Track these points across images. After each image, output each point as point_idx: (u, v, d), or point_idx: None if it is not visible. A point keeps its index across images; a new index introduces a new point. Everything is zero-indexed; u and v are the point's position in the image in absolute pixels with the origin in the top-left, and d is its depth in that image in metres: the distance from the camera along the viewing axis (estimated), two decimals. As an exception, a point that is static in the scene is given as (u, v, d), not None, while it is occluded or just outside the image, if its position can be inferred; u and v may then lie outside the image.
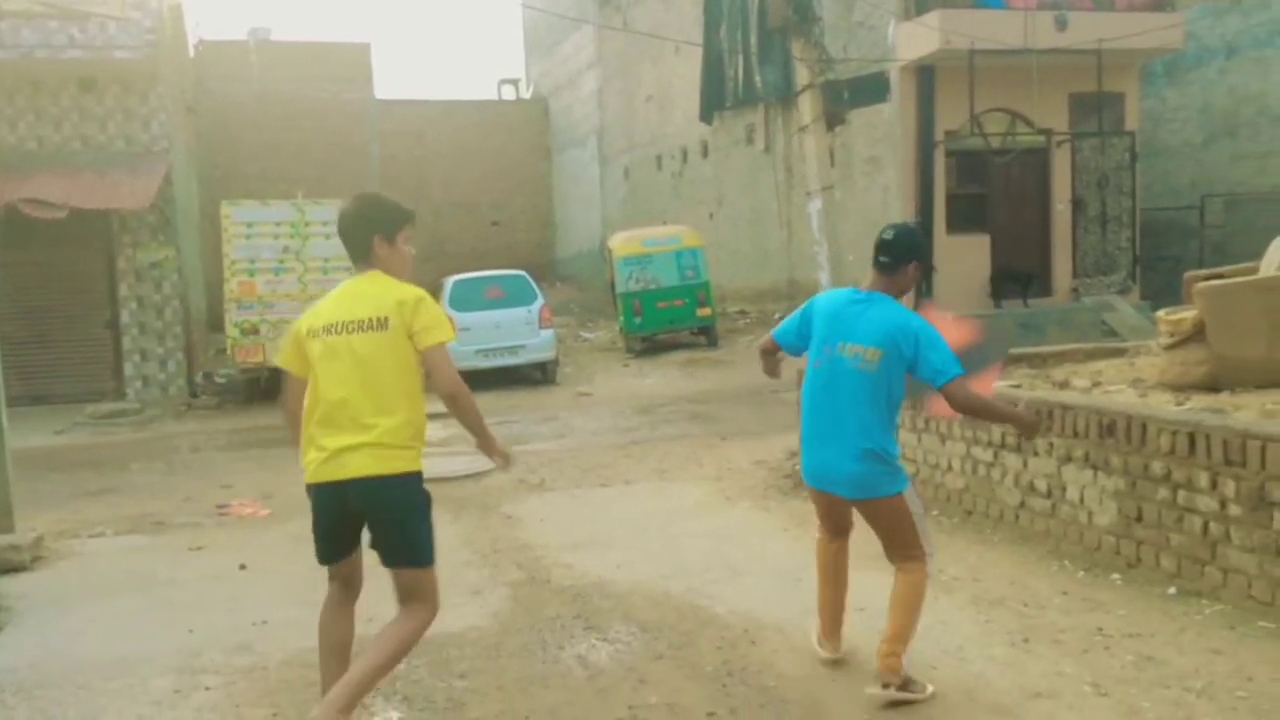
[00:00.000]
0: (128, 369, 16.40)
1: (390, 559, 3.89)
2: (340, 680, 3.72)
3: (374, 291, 3.85)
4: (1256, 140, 18.15)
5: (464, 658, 4.86)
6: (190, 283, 17.76)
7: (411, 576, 3.89)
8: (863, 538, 4.45)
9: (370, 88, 29.83)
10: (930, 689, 4.12)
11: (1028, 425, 4.40)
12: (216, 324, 17.88)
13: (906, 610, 4.13)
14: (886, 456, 4.13)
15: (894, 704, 4.01)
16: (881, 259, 4.24)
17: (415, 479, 3.90)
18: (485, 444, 4.13)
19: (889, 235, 4.27)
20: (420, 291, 3.87)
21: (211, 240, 18.17)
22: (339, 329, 3.83)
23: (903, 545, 4.19)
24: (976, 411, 4.20)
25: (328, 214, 16.08)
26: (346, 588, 4.14)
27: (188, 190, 19.47)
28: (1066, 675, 4.25)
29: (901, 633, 4.10)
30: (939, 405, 4.16)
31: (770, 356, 4.62)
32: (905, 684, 4.04)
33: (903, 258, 4.22)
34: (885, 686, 4.01)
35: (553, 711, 4.22)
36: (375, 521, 3.92)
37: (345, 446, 3.80)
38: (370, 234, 3.90)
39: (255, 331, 15.72)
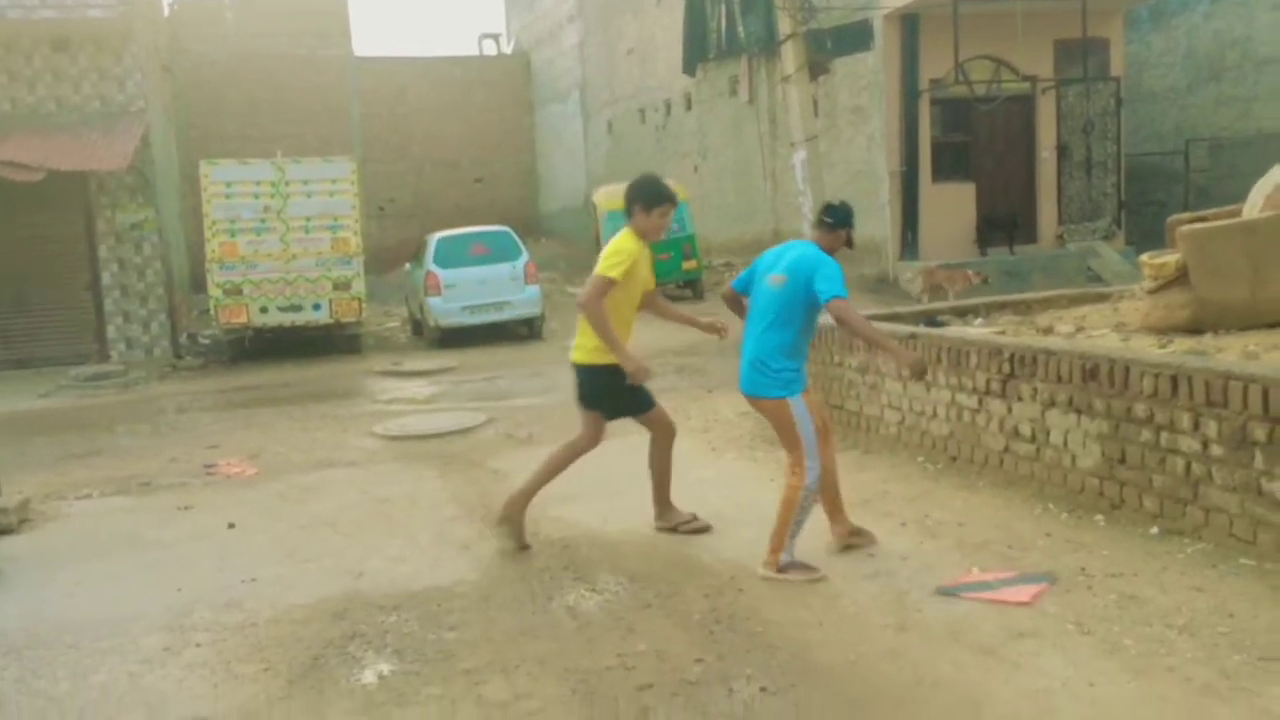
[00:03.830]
0: (110, 331, 16.30)
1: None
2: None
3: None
4: (1241, 84, 18.09)
5: (453, 610, 4.89)
6: (171, 244, 17.62)
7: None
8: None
9: (348, 44, 29.47)
10: (819, 571, 4.88)
11: (904, 360, 5.04)
12: (199, 285, 17.79)
13: (780, 517, 4.92)
14: (772, 368, 4.94)
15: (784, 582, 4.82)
16: (825, 219, 5.12)
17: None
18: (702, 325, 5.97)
19: (835, 203, 5.23)
20: (613, 245, 5.48)
21: (191, 201, 18.05)
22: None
23: (788, 449, 5.01)
24: (855, 330, 5.02)
25: (308, 172, 15.97)
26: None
27: (166, 150, 19.26)
28: (1050, 615, 4.29)
29: (775, 538, 4.93)
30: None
31: (734, 303, 5.47)
32: (784, 570, 4.89)
33: (840, 223, 5.09)
34: (764, 575, 4.94)
35: (542, 661, 4.25)
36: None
37: None
38: (633, 202, 5.47)
39: (238, 292, 15.63)
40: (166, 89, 21.38)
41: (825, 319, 5.08)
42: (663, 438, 5.78)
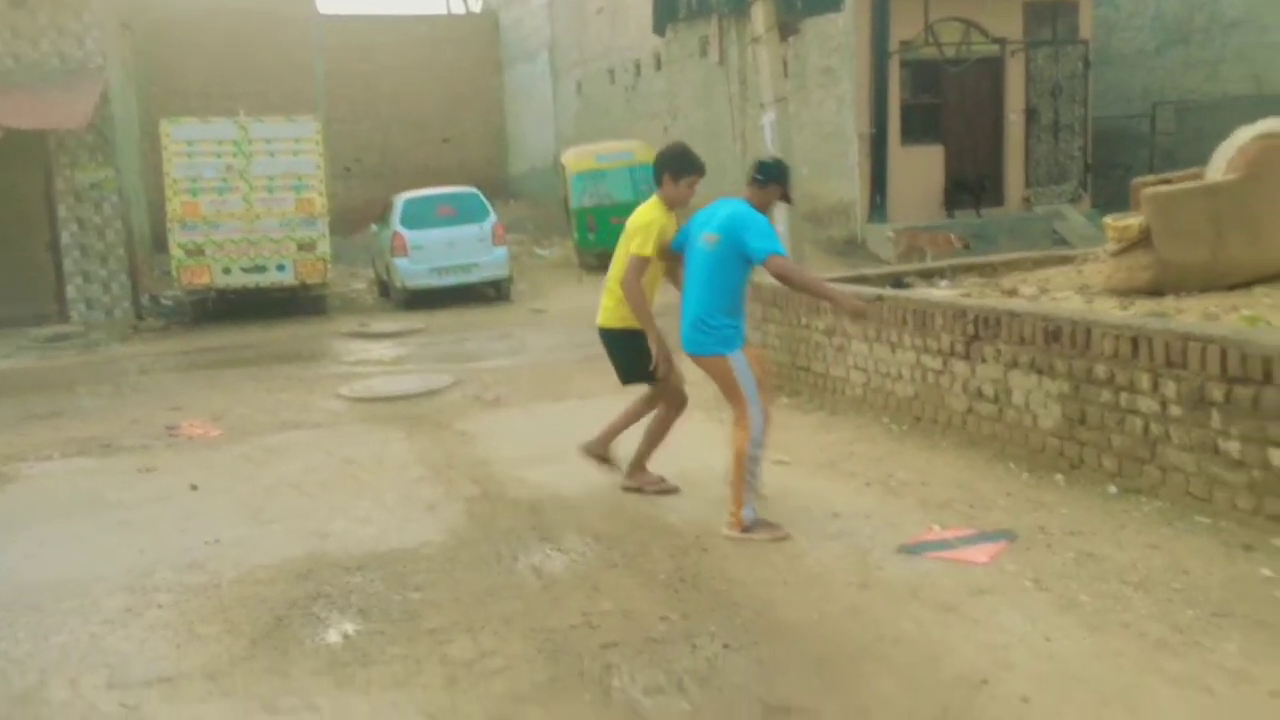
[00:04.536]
0: (70, 292, 16.03)
1: None
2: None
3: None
4: (1208, 47, 18.17)
5: (419, 571, 4.89)
6: (132, 203, 17.33)
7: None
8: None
9: (313, 1, 28.93)
10: (783, 529, 4.95)
11: (846, 305, 5.18)
12: (161, 245, 17.51)
13: (734, 474, 5.02)
14: (711, 325, 5.05)
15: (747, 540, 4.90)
16: (756, 175, 5.18)
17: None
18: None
19: (767, 160, 5.39)
20: (642, 219, 5.48)
21: (152, 160, 17.69)
22: None
23: (731, 403, 5.14)
24: (793, 283, 5.22)
25: (272, 131, 15.72)
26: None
27: (126, 109, 18.89)
28: (1009, 572, 4.35)
29: (733, 495, 5.02)
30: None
31: (674, 262, 5.53)
32: (749, 529, 4.95)
33: (771, 179, 5.14)
34: (728, 535, 4.99)
35: (508, 620, 4.27)
36: None
37: None
38: (663, 170, 5.48)
39: (200, 252, 15.44)
40: (126, 46, 20.93)
41: (763, 276, 5.20)
42: (673, 408, 5.76)
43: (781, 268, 4.93)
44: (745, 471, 4.99)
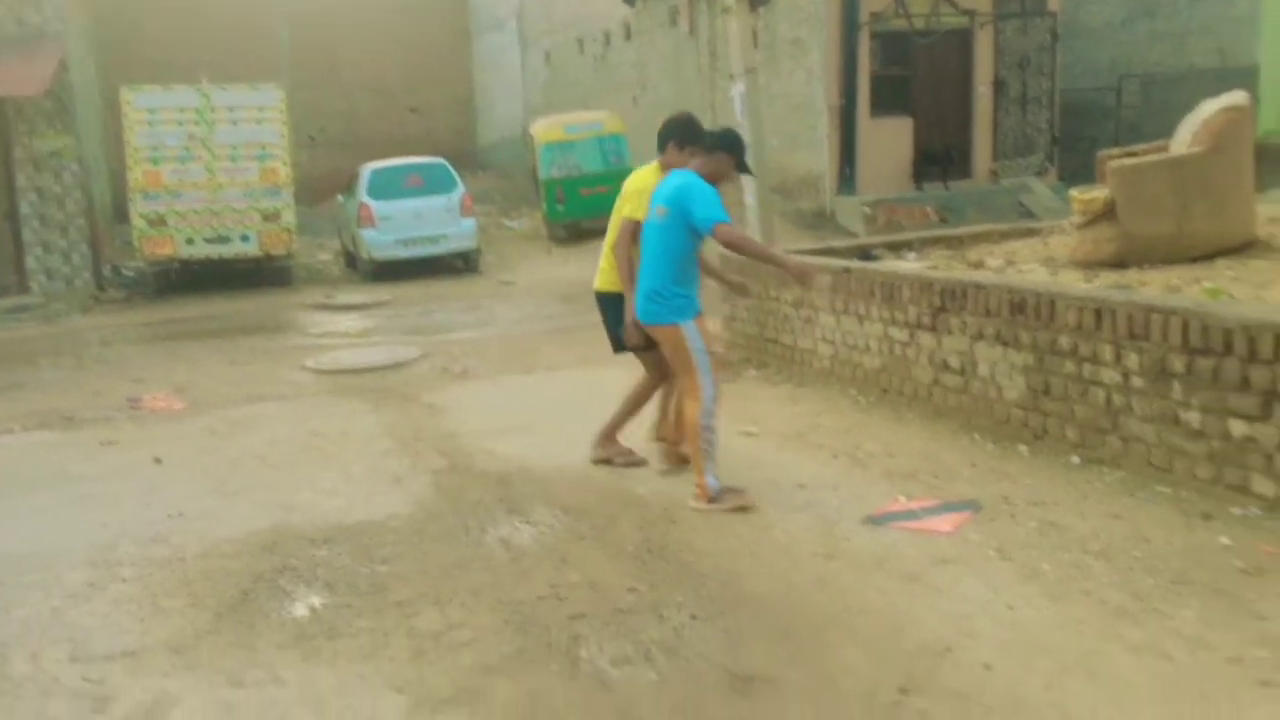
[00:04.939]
0: (30, 262, 15.75)
1: None
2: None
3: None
4: (1174, 20, 18.26)
5: (386, 544, 4.87)
6: (92, 172, 17.03)
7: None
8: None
9: (277, -35, 28.45)
10: (750, 496, 5.00)
11: (793, 270, 5.22)
12: (122, 215, 17.26)
13: (691, 445, 5.11)
14: (663, 295, 5.12)
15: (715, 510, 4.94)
16: (704, 143, 5.24)
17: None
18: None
19: (718, 129, 5.48)
20: (634, 185, 5.50)
21: (113, 129, 17.39)
22: None
23: (682, 373, 5.19)
24: (742, 251, 5.27)
25: (234, 99, 15.50)
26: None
27: (86, 75, 18.53)
28: (972, 542, 4.39)
29: (692, 458, 5.10)
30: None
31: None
32: (715, 499, 4.98)
33: (719, 146, 5.20)
34: (695, 508, 5.02)
35: (475, 592, 4.26)
36: None
37: None
38: (667, 139, 5.44)
39: (163, 223, 15.24)
40: (86, 11, 20.51)
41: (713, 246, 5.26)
42: (655, 380, 5.70)
43: (728, 236, 4.99)
44: (702, 441, 5.01)
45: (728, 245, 5.12)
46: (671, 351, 5.21)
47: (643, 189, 5.44)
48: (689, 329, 5.10)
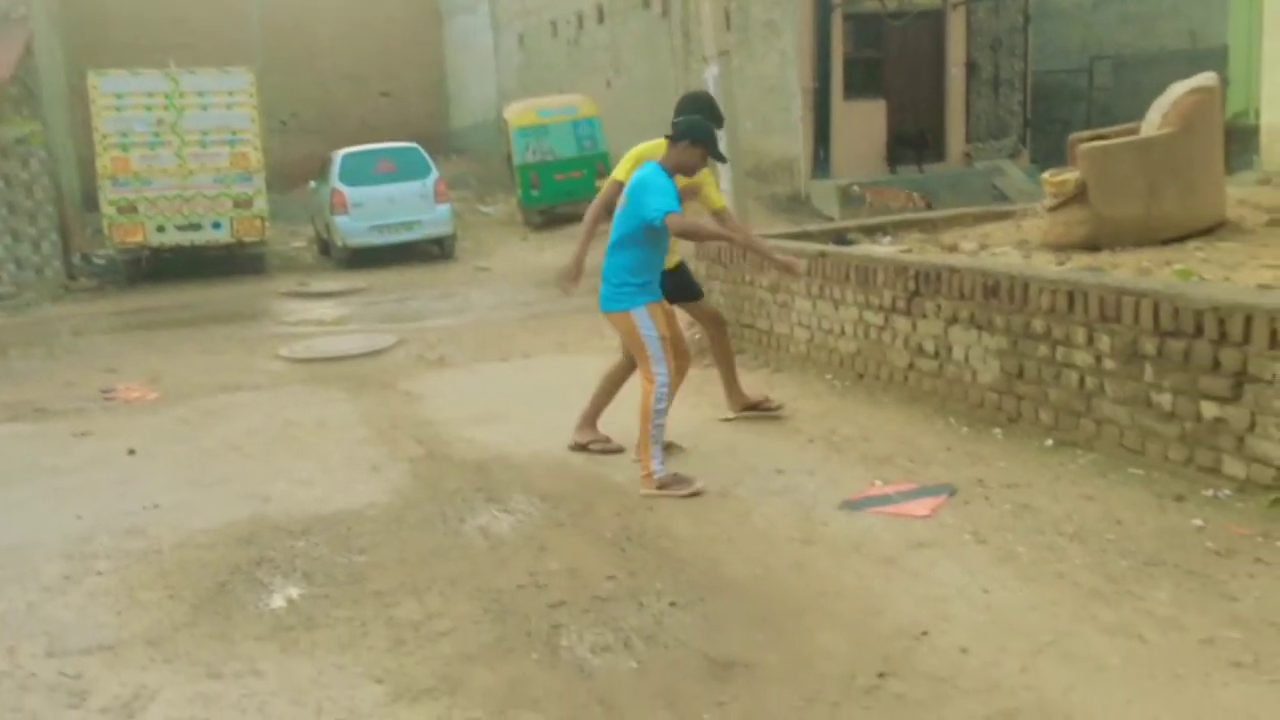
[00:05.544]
0: (-1, 251, 15.59)
1: None
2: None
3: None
4: (1145, 2, 18.37)
5: (364, 533, 4.86)
6: (60, 159, 16.83)
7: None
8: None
9: (246, -52, 28.11)
10: (698, 484, 5.03)
11: (740, 240, 5.61)
12: (91, 203, 17.05)
13: (640, 428, 5.17)
14: (615, 284, 5.25)
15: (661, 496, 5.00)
16: (668, 135, 5.27)
17: None
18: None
19: (679, 119, 5.36)
20: (635, 150, 5.59)
21: (81, 115, 17.15)
22: None
23: (636, 357, 5.33)
24: (695, 237, 5.52)
25: (204, 83, 15.33)
26: None
27: (52, 60, 18.28)
28: (948, 526, 4.43)
29: (641, 442, 5.17)
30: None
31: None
32: (663, 485, 5.05)
33: (683, 136, 5.17)
34: (645, 494, 5.07)
35: (454, 581, 4.27)
36: None
37: None
38: (680, 114, 5.42)
39: (133, 210, 15.07)
40: (50, -6, 20.22)
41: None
42: (629, 364, 5.68)
43: (679, 224, 5.12)
44: (651, 426, 5.11)
45: (680, 234, 5.27)
46: (625, 338, 5.37)
47: (639, 158, 5.52)
48: (640, 315, 5.20)
